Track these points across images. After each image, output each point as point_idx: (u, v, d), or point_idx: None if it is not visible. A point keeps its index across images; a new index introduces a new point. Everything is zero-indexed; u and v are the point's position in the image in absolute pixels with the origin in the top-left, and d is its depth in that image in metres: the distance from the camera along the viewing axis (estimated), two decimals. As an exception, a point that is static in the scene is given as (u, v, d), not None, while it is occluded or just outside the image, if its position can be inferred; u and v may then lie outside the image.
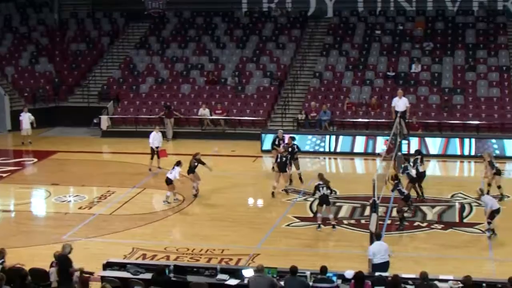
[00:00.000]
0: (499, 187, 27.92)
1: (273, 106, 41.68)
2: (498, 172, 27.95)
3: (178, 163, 28.41)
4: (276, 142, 31.96)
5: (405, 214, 25.34)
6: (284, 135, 32.51)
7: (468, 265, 21.45)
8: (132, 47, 47.60)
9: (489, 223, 23.95)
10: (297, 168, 30.62)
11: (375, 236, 20.02)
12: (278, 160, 28.92)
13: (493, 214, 23.75)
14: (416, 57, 43.01)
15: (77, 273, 18.45)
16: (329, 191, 24.94)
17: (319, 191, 24.88)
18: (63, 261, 18.65)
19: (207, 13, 48.92)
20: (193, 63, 45.24)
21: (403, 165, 27.49)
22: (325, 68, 43.36)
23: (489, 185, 28.08)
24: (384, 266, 19.15)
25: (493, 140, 35.53)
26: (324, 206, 25.11)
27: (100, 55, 47.82)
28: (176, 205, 28.20)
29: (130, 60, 46.30)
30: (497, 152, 34.52)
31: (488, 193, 27.17)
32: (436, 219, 26.13)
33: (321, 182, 24.95)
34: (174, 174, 28.03)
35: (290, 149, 29.93)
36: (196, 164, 28.95)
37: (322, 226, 25.09)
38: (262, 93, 42.19)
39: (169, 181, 28.10)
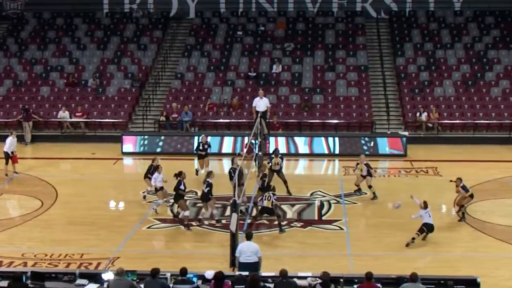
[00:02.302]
0: (370, 186, 28.45)
1: (134, 108, 41.32)
2: (370, 174, 28.52)
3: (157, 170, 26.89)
4: (200, 147, 31.75)
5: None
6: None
7: (327, 261, 21.69)
8: (-11, 49, 46.29)
9: None
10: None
11: (245, 236, 20.13)
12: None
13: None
14: (277, 57, 43.53)
15: None
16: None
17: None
18: None
19: (68, 14, 48.12)
20: (52, 65, 44.35)
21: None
22: (187, 69, 43.34)
23: (369, 187, 28.50)
24: (252, 266, 19.12)
25: (365, 139, 36.42)
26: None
27: (-46, 56, 46.21)
28: (34, 210, 27.48)
29: (-14, 62, 45.01)
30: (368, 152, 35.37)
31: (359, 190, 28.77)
32: (296, 217, 26.44)
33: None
34: (155, 181, 26.50)
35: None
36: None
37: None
38: (123, 94, 41.75)
39: (159, 189, 26.60)
